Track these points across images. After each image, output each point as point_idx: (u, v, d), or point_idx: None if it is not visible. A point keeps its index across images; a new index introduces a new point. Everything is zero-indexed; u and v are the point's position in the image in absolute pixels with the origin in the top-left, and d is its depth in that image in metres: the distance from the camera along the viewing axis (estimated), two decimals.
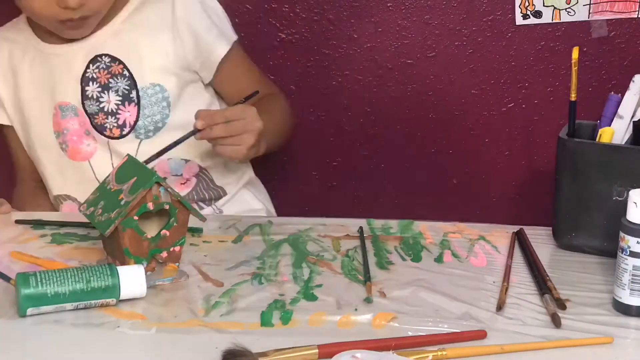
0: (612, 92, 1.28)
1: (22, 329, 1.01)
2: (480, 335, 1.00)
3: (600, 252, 1.22)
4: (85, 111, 1.45)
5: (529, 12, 1.67)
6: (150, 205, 1.12)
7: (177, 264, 1.17)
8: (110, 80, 1.45)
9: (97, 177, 1.47)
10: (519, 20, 1.68)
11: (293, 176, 1.64)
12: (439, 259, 1.23)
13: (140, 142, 1.47)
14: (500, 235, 1.31)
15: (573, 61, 1.24)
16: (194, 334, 1.01)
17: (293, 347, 0.94)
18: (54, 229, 1.31)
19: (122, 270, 1.06)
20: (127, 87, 1.45)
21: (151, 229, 1.15)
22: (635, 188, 1.07)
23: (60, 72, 1.46)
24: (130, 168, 1.17)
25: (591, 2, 1.65)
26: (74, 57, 1.46)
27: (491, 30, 1.70)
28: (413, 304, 1.08)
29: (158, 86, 1.46)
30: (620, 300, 1.07)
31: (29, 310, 1.02)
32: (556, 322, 1.03)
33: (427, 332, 1.01)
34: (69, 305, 1.03)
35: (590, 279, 1.17)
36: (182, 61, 1.48)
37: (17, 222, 1.33)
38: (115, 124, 1.46)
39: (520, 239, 1.29)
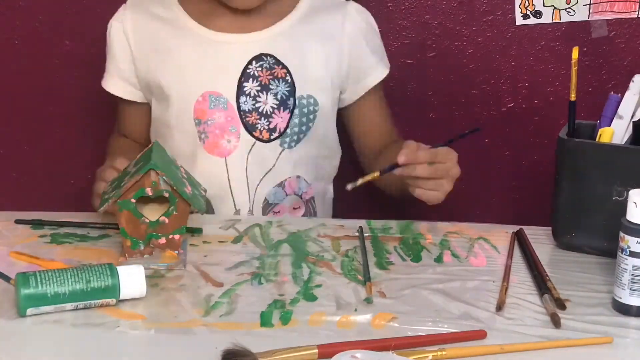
0: (612, 92, 1.28)
1: (22, 329, 1.01)
2: (480, 335, 1.00)
3: (600, 252, 1.22)
4: (239, 107, 1.40)
5: (529, 12, 1.67)
6: (149, 191, 1.14)
7: (177, 252, 1.18)
8: (271, 82, 1.40)
9: (229, 176, 1.42)
10: (519, 20, 1.68)
11: None
12: (438, 259, 1.23)
13: (282, 151, 1.43)
14: (500, 235, 1.31)
15: (573, 61, 1.24)
16: (194, 334, 1.01)
17: (293, 347, 0.94)
18: (53, 228, 1.31)
19: (122, 270, 1.06)
20: (286, 93, 1.41)
21: (153, 215, 1.16)
22: (635, 188, 1.07)
23: (218, 61, 1.41)
24: (149, 153, 1.18)
25: (591, 2, 1.65)
26: (237, 49, 1.41)
27: (491, 30, 1.70)
28: (413, 304, 1.08)
29: (312, 98, 1.43)
30: (620, 300, 1.07)
31: (29, 311, 1.02)
32: (556, 322, 1.03)
33: (427, 332, 1.01)
34: (68, 306, 1.03)
35: (590, 279, 1.17)
36: (338, 78, 1.46)
37: (17, 222, 1.33)
38: (267, 127, 1.41)
39: (520, 239, 1.28)
